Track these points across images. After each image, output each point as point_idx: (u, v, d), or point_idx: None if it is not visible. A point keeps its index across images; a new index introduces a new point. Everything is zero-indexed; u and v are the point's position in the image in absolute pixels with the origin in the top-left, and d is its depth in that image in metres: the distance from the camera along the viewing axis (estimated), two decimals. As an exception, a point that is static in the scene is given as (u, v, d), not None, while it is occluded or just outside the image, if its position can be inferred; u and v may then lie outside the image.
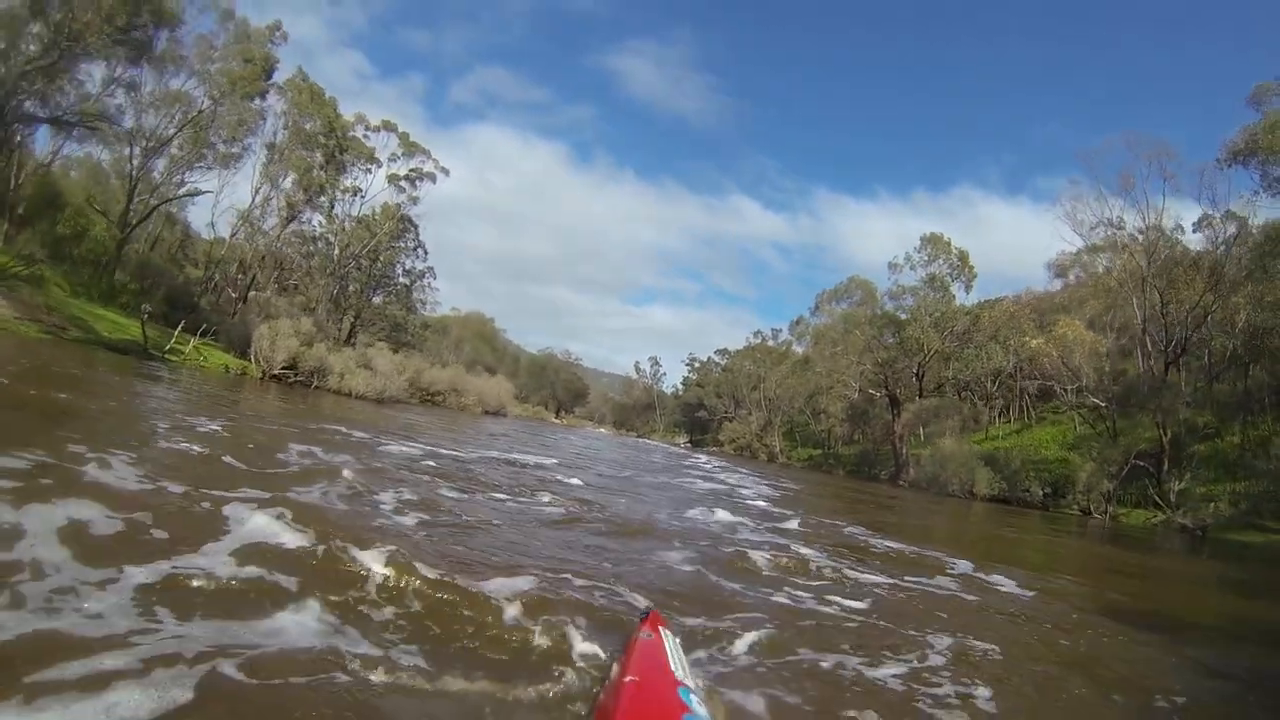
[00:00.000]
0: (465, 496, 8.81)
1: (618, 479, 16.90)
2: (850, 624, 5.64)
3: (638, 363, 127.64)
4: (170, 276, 40.75)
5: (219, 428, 10.23)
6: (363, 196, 61.63)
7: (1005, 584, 8.89)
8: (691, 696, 2.74)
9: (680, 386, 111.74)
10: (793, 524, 12.83)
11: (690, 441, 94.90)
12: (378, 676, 3.22)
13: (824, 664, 4.48)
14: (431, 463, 11.71)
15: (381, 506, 6.81)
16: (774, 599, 6.08)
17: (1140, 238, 35.06)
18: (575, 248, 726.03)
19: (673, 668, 3.01)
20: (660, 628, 3.54)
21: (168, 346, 24.81)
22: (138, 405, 12.01)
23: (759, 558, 7.77)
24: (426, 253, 69.22)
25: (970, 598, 7.72)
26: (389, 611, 4.05)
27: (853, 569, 8.27)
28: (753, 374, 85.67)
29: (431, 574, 4.48)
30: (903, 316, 46.90)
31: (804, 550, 9.02)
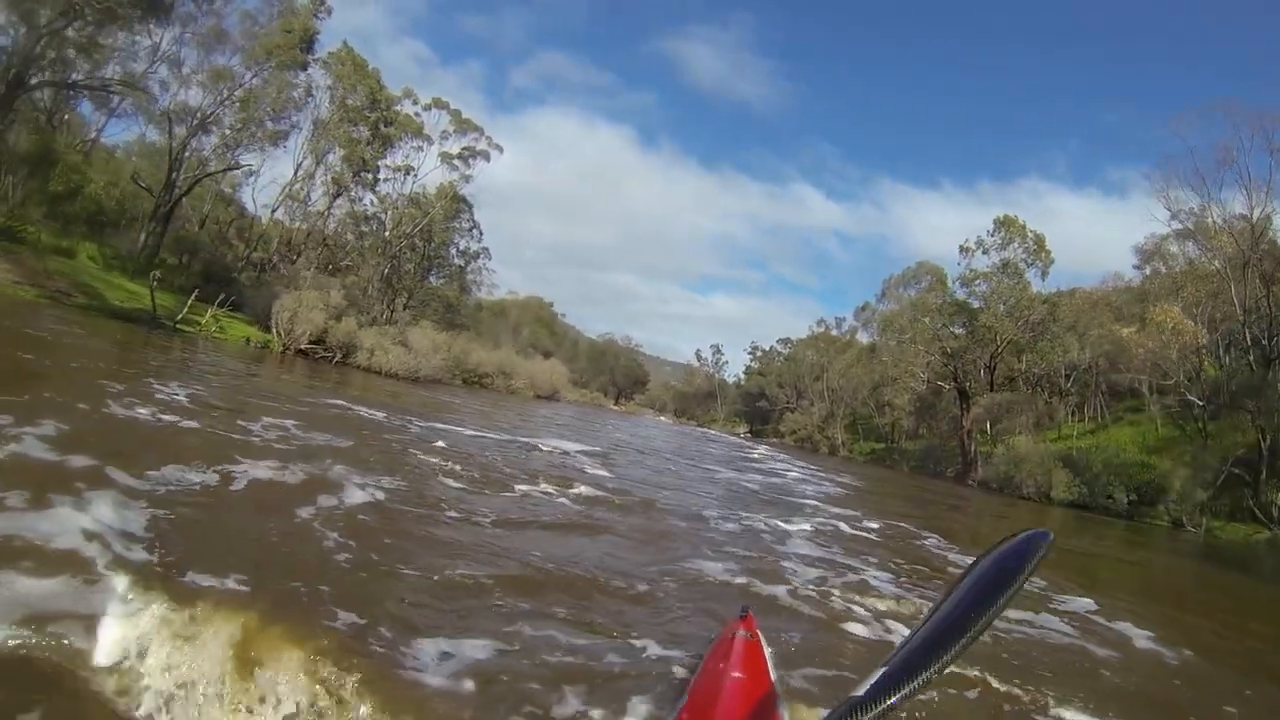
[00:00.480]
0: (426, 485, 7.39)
1: (659, 472, 14.87)
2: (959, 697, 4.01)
3: (699, 350, 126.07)
4: (209, 250, 39.91)
5: (184, 396, 9.19)
6: (415, 175, 60.77)
7: (1134, 632, 6.69)
8: (784, 708, 2.55)
9: (742, 376, 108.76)
10: (859, 531, 11.27)
11: (750, 432, 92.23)
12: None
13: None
14: (442, 443, 10.64)
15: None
16: (847, 642, 4.75)
17: (1241, 219, 31.55)
18: (637, 234, 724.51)
19: (771, 673, 2.80)
20: (758, 630, 3.27)
21: (180, 316, 23.47)
22: (105, 368, 10.75)
23: (819, 582, 6.37)
24: (481, 233, 68.02)
25: (1101, 653, 5.75)
26: None
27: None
28: (815, 364, 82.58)
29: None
30: (975, 304, 43.67)
31: (874, 572, 7.48)
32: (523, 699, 3.08)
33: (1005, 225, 42.86)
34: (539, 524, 7.00)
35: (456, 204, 65.87)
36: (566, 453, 14.00)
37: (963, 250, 43.61)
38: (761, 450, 44.89)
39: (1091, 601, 7.65)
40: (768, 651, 3.09)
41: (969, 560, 1.47)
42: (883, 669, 1.26)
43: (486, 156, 63.46)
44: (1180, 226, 33.65)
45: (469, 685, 3.13)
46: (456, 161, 62.44)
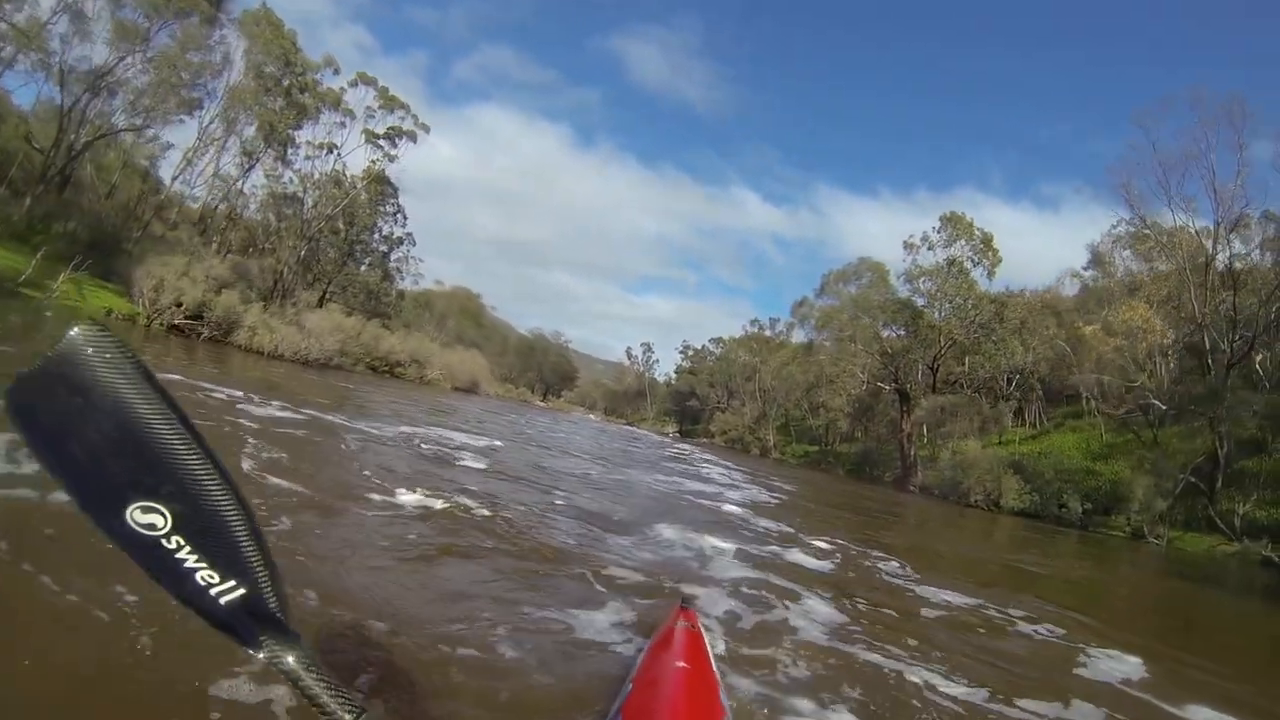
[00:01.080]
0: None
1: (564, 477, 11.95)
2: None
3: (629, 349, 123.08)
4: (101, 219, 35.50)
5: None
6: (338, 154, 56.64)
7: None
8: (726, 698, 2.54)
9: (673, 375, 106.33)
10: (797, 551, 9.09)
11: (680, 431, 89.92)
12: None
13: None
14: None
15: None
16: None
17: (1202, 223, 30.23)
18: (575, 231, 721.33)
19: (712, 662, 2.82)
20: (698, 622, 3.27)
21: (22, 277, 19.55)
22: None
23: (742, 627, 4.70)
24: (406, 218, 64.06)
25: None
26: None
27: (905, 658, 4.65)
28: (748, 364, 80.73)
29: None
30: (919, 302, 41.86)
31: (819, 609, 5.63)
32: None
33: (952, 222, 41.17)
34: (374, 553, 4.55)
35: (382, 186, 61.98)
36: (453, 450, 11.05)
37: (907, 246, 41.82)
38: (689, 450, 42.40)
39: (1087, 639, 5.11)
40: (708, 642, 3.05)
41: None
42: None
43: (414, 137, 59.60)
44: (1138, 224, 32.12)
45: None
46: (382, 141, 58.74)
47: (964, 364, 42.46)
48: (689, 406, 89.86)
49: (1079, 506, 29.27)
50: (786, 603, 5.52)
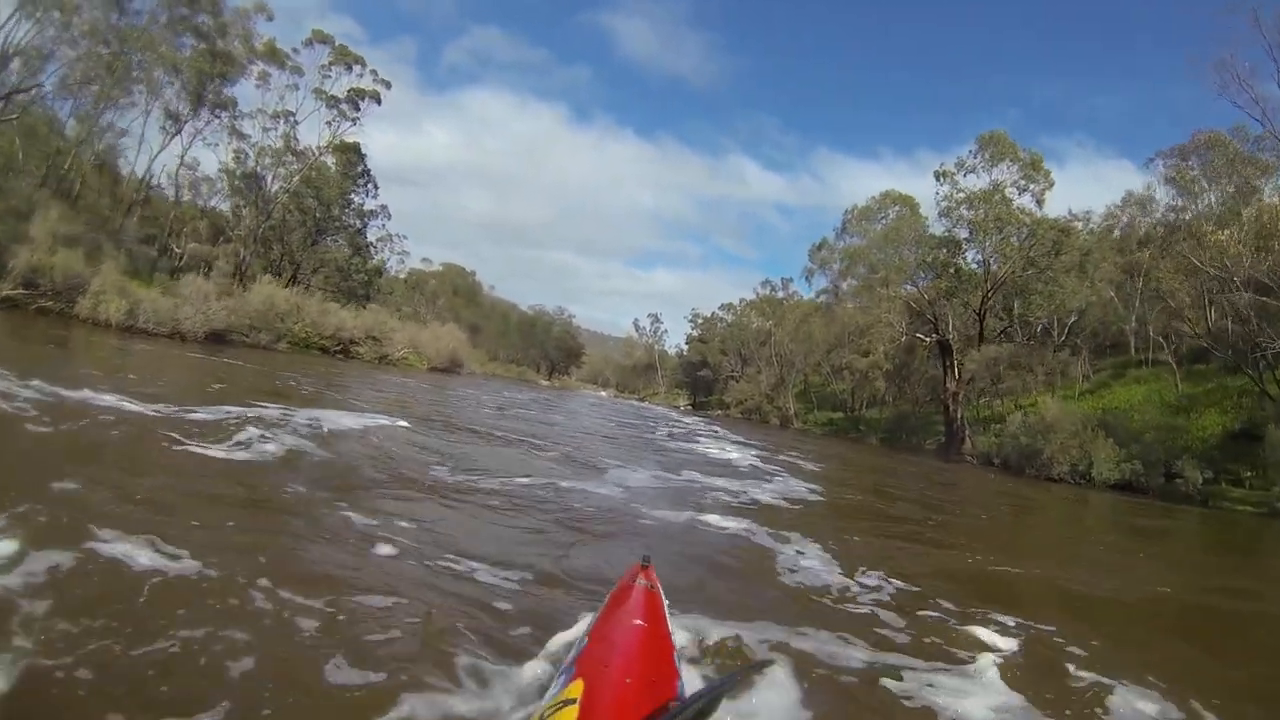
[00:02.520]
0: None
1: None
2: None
3: (636, 320, 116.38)
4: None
5: None
6: (293, 121, 50.17)
7: None
8: (680, 660, 2.64)
9: (684, 346, 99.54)
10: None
11: (692, 404, 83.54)
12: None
13: None
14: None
15: None
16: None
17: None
18: (574, 209, 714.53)
19: (668, 621, 2.83)
20: (656, 580, 3.11)
21: None
22: None
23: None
24: (377, 188, 57.55)
25: None
26: None
27: None
28: (760, 329, 74.17)
29: None
30: (961, 234, 34.96)
31: None
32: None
33: (992, 143, 34.18)
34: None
35: (349, 155, 55.52)
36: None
37: (939, 176, 34.84)
38: (700, 425, 36.02)
39: None
40: (665, 601, 3.01)
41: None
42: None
43: (377, 98, 52.99)
44: (1235, 96, 25.24)
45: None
46: (344, 105, 52.21)
47: (1014, 308, 35.57)
48: (701, 377, 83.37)
49: (1199, 475, 22.57)
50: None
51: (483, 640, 3.26)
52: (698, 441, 21.67)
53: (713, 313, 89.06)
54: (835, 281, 37.77)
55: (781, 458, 19.99)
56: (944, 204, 34.77)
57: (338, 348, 35.03)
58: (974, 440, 35.66)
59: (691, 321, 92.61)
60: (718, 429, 33.06)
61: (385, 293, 71.01)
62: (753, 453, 19.78)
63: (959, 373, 34.84)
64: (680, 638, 3.08)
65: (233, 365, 17.50)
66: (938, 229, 35.48)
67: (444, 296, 76.79)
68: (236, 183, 47.83)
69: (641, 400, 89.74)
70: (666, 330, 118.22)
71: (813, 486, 13.45)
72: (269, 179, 48.51)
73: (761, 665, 3.10)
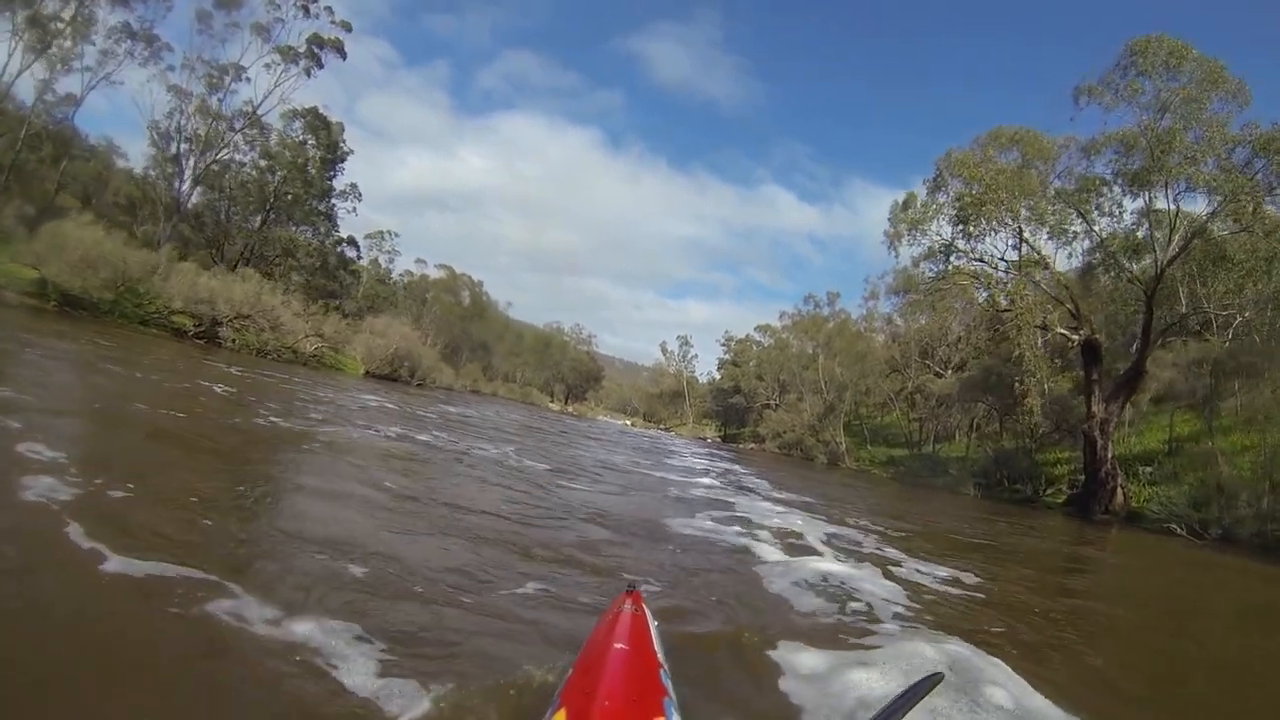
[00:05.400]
0: None
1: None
2: None
3: (664, 343, 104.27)
4: None
5: None
6: (246, 78, 39.92)
7: None
8: (668, 679, 2.45)
9: (715, 374, 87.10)
10: None
11: (723, 436, 71.20)
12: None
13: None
14: None
15: None
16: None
17: None
18: (607, 238, 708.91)
19: (656, 646, 2.70)
20: (644, 605, 3.07)
21: None
22: None
23: None
24: (342, 159, 46.77)
25: None
26: None
27: None
28: (802, 351, 62.09)
29: None
30: (1134, 166, 22.25)
31: None
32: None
33: (1144, 52, 22.11)
34: None
35: (310, 121, 45.05)
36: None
37: (1081, 93, 22.79)
38: (718, 466, 24.35)
39: None
40: (653, 626, 2.92)
41: None
42: None
43: (340, 49, 42.66)
44: None
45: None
46: (301, 60, 41.81)
47: (1205, 288, 22.62)
48: (733, 406, 71.07)
49: None
50: None
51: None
52: (736, 501, 10.43)
53: (747, 335, 77.04)
54: (940, 247, 24.66)
55: (874, 537, 8.72)
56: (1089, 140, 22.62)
57: (199, 328, 23.85)
58: (1126, 491, 23.41)
59: (724, 345, 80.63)
60: (763, 477, 21.37)
61: (381, 299, 60.90)
62: (820, 526, 8.30)
63: (1107, 391, 22.34)
64: (668, 658, 2.67)
65: None
66: (1081, 169, 23.17)
67: (437, 304, 65.42)
68: (155, 142, 37.71)
69: (668, 431, 77.80)
70: (697, 355, 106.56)
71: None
72: (188, 143, 38.23)
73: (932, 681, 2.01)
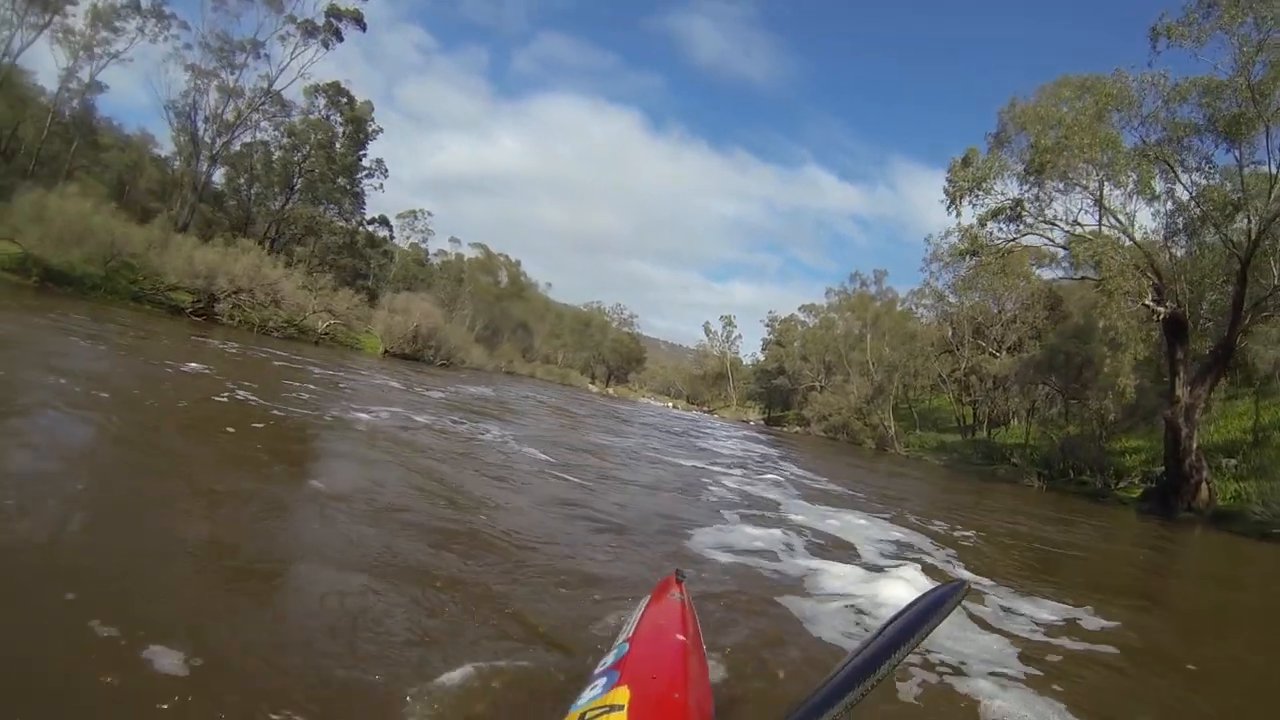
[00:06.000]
0: None
1: None
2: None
3: (707, 324, 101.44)
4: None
5: None
6: (264, 54, 38.42)
7: None
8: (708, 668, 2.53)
9: (760, 355, 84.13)
10: None
11: (766, 418, 68.65)
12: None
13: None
14: None
15: None
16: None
17: None
18: (651, 219, 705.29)
19: (700, 633, 2.65)
20: (687, 592, 2.95)
21: None
22: None
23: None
24: (373, 134, 45.20)
25: None
26: None
27: None
28: (849, 331, 59.03)
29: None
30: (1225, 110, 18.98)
31: None
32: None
33: None
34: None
35: (331, 96, 43.53)
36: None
37: (1160, 36, 19.77)
38: (756, 450, 22.20)
39: None
40: (696, 614, 2.82)
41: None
42: (814, 694, 1.39)
43: (359, 20, 40.87)
44: None
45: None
46: (322, 34, 40.17)
47: None
48: (776, 388, 68.42)
49: None
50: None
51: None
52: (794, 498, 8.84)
53: (791, 314, 74.09)
54: (1009, 205, 21.65)
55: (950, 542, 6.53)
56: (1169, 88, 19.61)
57: (197, 304, 22.30)
58: (1212, 486, 20.74)
59: (768, 325, 77.75)
60: (796, 462, 19.16)
61: (418, 281, 59.61)
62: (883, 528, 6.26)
63: (1195, 372, 19.53)
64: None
65: None
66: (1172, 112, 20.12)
67: (474, 285, 63.81)
68: (172, 120, 36.53)
69: (709, 412, 75.51)
70: (741, 336, 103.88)
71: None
72: (206, 122, 36.90)
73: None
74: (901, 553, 7.06)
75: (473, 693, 2.67)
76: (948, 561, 7.02)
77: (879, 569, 6.01)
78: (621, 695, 1.82)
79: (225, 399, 8.49)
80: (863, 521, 8.94)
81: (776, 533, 7.00)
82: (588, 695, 1.97)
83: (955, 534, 9.07)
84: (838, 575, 5.54)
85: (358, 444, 7.84)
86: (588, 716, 1.77)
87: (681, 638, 2.34)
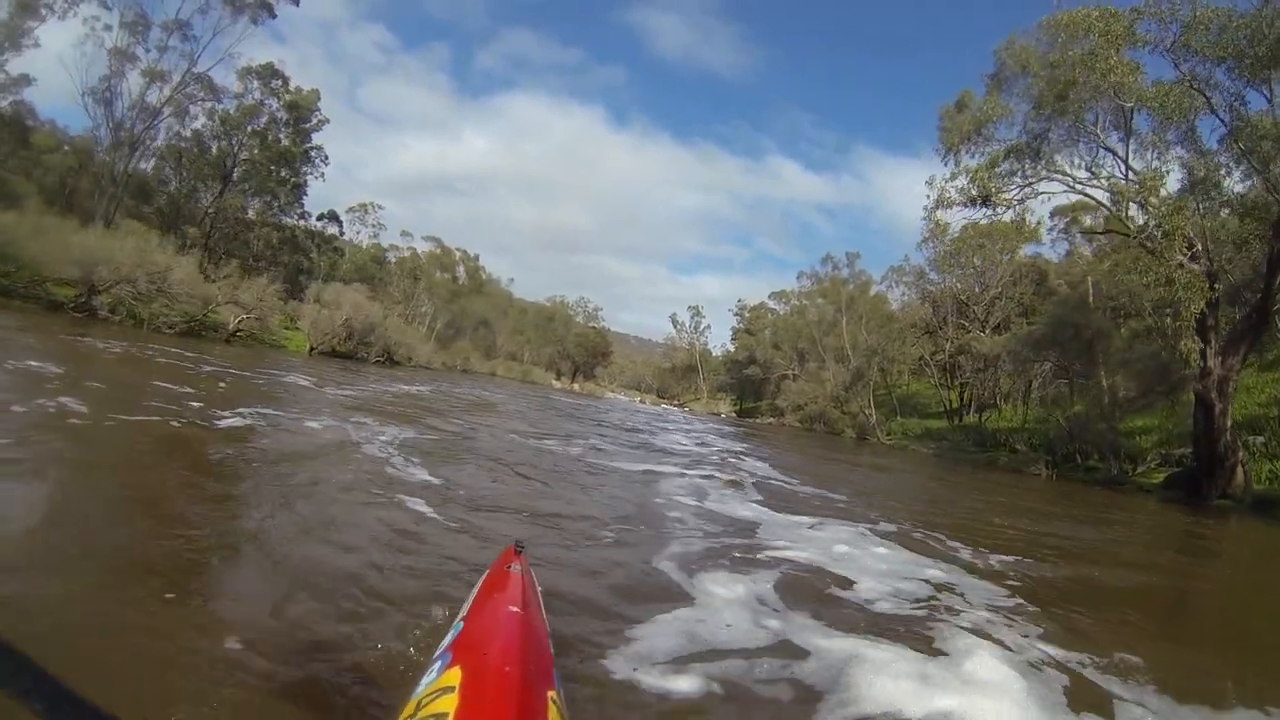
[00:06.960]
0: None
1: None
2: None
3: (674, 315, 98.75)
4: None
5: None
6: (192, 36, 34.85)
7: None
8: (552, 645, 2.30)
9: (729, 346, 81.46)
10: None
11: (738, 410, 66.13)
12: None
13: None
14: None
15: None
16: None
17: None
18: (616, 214, 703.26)
19: (541, 607, 2.53)
20: (528, 564, 2.80)
21: None
22: None
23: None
24: (318, 124, 41.77)
25: None
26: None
27: None
28: (820, 318, 56.54)
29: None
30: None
31: None
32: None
33: None
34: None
35: (270, 80, 40.06)
36: None
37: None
38: (726, 444, 19.52)
39: None
40: (538, 586, 2.74)
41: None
42: None
43: (295, -11, 37.47)
44: None
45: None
46: (252, 9, 36.64)
47: None
48: (748, 378, 65.99)
49: None
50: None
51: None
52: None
53: (761, 302, 71.66)
54: (1026, 144, 18.92)
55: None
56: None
57: (79, 298, 19.02)
58: (1247, 469, 18.52)
59: (737, 314, 75.24)
60: (767, 457, 16.42)
61: (375, 279, 56.15)
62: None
63: (1226, 340, 17.19)
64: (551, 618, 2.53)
65: None
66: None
67: (428, 281, 60.41)
68: (90, 108, 32.90)
69: (680, 406, 72.77)
70: (709, 326, 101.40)
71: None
72: (129, 106, 33.31)
73: None
74: (938, 612, 4.30)
75: None
76: (1009, 620, 4.27)
77: (927, 652, 3.30)
78: (454, 676, 1.68)
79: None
80: (851, 531, 6.34)
81: (743, 588, 4.23)
82: (425, 681, 1.79)
83: (991, 561, 6.35)
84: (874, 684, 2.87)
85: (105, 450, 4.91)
86: (423, 703, 1.61)
87: (516, 609, 2.15)
